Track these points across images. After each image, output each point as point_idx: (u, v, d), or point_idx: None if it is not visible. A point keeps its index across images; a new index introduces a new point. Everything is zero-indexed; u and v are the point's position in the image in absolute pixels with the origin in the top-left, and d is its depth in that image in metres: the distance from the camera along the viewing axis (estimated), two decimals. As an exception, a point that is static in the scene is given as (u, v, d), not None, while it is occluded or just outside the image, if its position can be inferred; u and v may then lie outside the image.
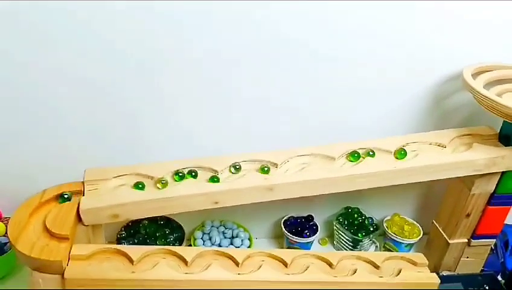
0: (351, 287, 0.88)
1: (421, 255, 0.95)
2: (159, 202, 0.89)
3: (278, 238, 1.32)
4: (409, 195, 1.32)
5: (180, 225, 1.21)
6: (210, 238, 1.20)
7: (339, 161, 1.00)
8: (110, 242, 1.17)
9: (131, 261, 0.83)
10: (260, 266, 0.86)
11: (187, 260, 0.84)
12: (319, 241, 1.32)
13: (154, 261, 0.84)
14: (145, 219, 1.21)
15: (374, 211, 1.30)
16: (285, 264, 0.88)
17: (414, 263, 0.92)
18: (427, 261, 0.93)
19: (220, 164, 0.97)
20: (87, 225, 0.88)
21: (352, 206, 1.30)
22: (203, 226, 1.25)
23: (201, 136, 1.11)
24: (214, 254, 0.87)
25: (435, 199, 1.23)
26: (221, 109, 1.09)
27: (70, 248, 0.82)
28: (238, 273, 0.84)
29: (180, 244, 1.16)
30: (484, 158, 0.99)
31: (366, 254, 0.92)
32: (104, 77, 0.99)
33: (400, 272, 0.89)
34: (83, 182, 0.92)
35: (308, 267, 0.88)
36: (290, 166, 0.99)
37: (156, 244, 1.14)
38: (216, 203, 0.93)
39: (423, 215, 1.30)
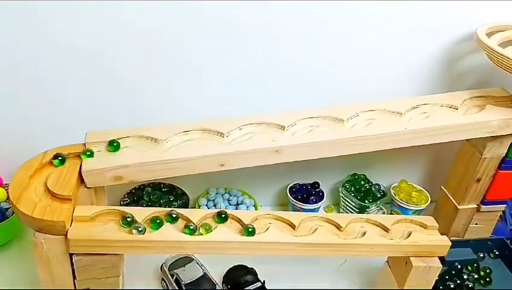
0: (360, 249, 0.86)
1: (431, 218, 0.93)
2: (164, 163, 0.87)
3: (284, 206, 1.30)
4: (416, 161, 1.29)
5: (185, 191, 1.19)
6: (215, 205, 1.18)
7: (348, 122, 0.97)
8: (113, 209, 1.15)
9: (136, 222, 0.80)
10: (267, 229, 0.84)
11: (193, 221, 0.82)
12: (324, 209, 1.31)
13: (157, 223, 0.81)
14: (148, 185, 1.19)
15: (381, 178, 1.28)
16: (293, 227, 0.86)
17: (424, 226, 0.90)
18: (437, 224, 0.91)
19: (226, 126, 0.94)
20: (90, 188, 0.86)
21: (358, 173, 1.28)
22: (207, 193, 1.23)
23: (205, 101, 1.09)
24: (214, 217, 0.85)
25: (444, 165, 1.20)
26: (225, 72, 1.06)
27: (73, 209, 0.80)
28: (242, 235, 0.82)
29: (185, 211, 1.14)
30: (497, 119, 0.96)
31: (375, 217, 0.90)
32: (106, 42, 0.97)
33: (410, 234, 0.87)
34: (84, 144, 0.90)
35: (316, 229, 0.86)
36: (298, 128, 0.96)
37: (161, 211, 1.12)
38: (222, 165, 0.90)
39: (431, 182, 1.28)
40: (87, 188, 0.86)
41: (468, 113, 1.00)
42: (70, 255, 0.78)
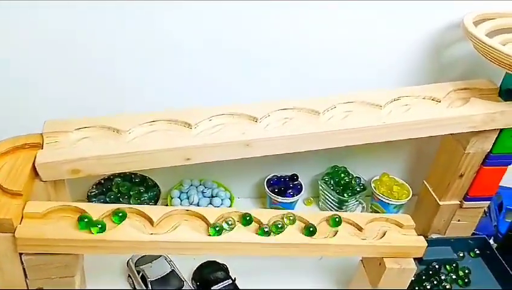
0: (331, 249, 0.82)
1: (407, 216, 0.88)
2: (124, 156, 0.82)
3: (261, 198, 1.26)
4: (399, 154, 1.25)
5: (156, 183, 1.14)
6: (188, 198, 1.14)
7: (325, 115, 0.92)
8: (79, 201, 1.10)
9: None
10: (234, 227, 0.79)
11: (153, 219, 0.77)
12: (303, 202, 1.26)
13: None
14: (118, 176, 1.14)
15: (362, 171, 1.24)
16: (261, 225, 0.81)
17: (400, 225, 0.86)
18: (413, 224, 0.86)
19: (194, 117, 0.88)
20: (46, 181, 0.81)
21: (339, 165, 1.23)
22: (181, 184, 1.18)
23: (175, 88, 1.03)
24: (184, 213, 0.80)
25: (427, 158, 1.15)
26: (195, 60, 1.00)
27: (24, 205, 0.74)
28: (209, 235, 0.77)
29: (155, 204, 1.10)
30: (482, 114, 0.91)
31: (348, 215, 0.85)
32: (70, 22, 0.90)
33: (385, 234, 0.83)
34: (41, 134, 0.84)
35: (286, 228, 0.81)
36: (271, 120, 0.91)
37: (129, 203, 1.07)
38: (188, 159, 0.85)
39: (414, 176, 1.23)
40: (43, 181, 0.81)
41: (452, 107, 0.95)
42: (20, 254, 0.73)
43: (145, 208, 0.78)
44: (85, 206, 0.77)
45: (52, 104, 0.99)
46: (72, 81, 0.99)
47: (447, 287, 0.92)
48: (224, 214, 0.81)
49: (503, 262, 0.94)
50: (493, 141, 0.98)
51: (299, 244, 0.80)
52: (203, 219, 0.80)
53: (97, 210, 0.76)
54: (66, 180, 0.87)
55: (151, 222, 0.77)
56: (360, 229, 0.84)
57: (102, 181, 1.13)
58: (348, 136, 0.90)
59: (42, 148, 0.81)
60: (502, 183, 1.28)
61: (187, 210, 0.80)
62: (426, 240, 0.93)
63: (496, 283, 0.95)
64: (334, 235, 0.82)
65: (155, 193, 1.12)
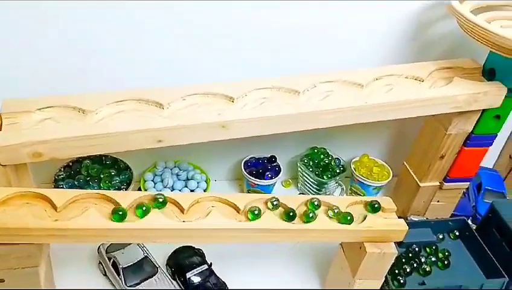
0: (311, 234, 0.79)
1: (388, 199, 0.86)
2: (90, 139, 0.76)
3: (239, 180, 1.22)
4: (380, 134, 1.22)
5: (128, 165, 1.09)
6: (162, 181, 1.09)
7: (304, 95, 0.88)
8: (46, 185, 1.04)
9: (54, 207, 0.70)
10: (209, 213, 0.75)
11: (122, 206, 0.72)
12: (282, 184, 1.23)
13: (83, 208, 0.72)
14: (87, 158, 1.08)
15: (342, 152, 1.21)
16: (238, 210, 0.77)
17: (381, 209, 0.84)
18: (395, 207, 0.84)
19: (166, 96, 0.83)
20: (6, 165, 0.75)
21: (318, 147, 1.20)
22: (154, 167, 1.13)
23: (145, 66, 0.96)
24: (153, 199, 0.76)
25: (408, 139, 1.13)
26: (169, 36, 0.94)
27: (-20, 192, 0.69)
28: (183, 221, 0.73)
29: (128, 188, 1.05)
30: (465, 94, 0.89)
31: (328, 199, 0.83)
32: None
33: (365, 218, 0.81)
34: (-1, 115, 0.78)
35: (263, 213, 0.78)
36: (248, 101, 0.86)
37: (100, 187, 1.02)
38: (159, 141, 0.80)
39: (394, 157, 1.21)
40: (3, 166, 0.75)
41: (435, 86, 0.92)
42: (-23, 244, 0.68)
43: (113, 193, 0.73)
44: (48, 192, 0.72)
45: (10, 84, 0.91)
46: (32, 59, 0.92)
47: (427, 269, 0.91)
48: (198, 199, 0.77)
49: (483, 244, 0.94)
50: (475, 122, 0.96)
51: (279, 230, 0.77)
52: (177, 204, 0.75)
53: (61, 196, 0.71)
54: (29, 164, 0.81)
55: (120, 208, 0.73)
56: (339, 213, 0.81)
57: (71, 164, 1.07)
58: (328, 117, 0.86)
59: (0, 130, 0.75)
60: (480, 164, 1.29)
61: (157, 195, 0.76)
62: (406, 223, 0.92)
63: (475, 265, 0.95)
64: (314, 220, 0.79)
65: (127, 176, 1.06)
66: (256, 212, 0.76)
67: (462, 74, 0.94)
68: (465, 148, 1.00)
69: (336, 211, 0.80)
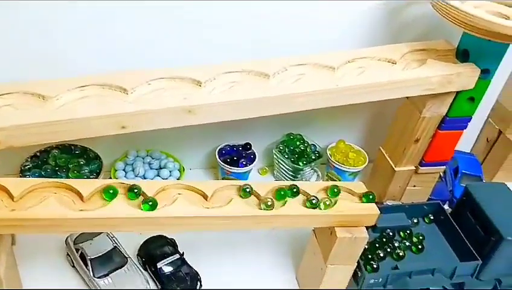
0: (281, 220, 0.77)
1: (361, 184, 0.85)
2: (49, 125, 0.73)
3: (214, 169, 1.20)
4: (357, 119, 1.21)
5: (98, 154, 1.06)
6: (133, 170, 1.06)
7: (275, 78, 0.86)
8: (12, 176, 1.01)
9: (11, 196, 0.67)
10: (175, 200, 0.73)
11: (83, 194, 0.70)
12: (258, 171, 1.22)
13: (42, 197, 0.69)
14: (55, 147, 1.05)
15: (318, 138, 1.19)
16: (205, 198, 0.75)
17: (353, 193, 0.82)
18: (366, 190, 0.83)
19: (130, 81, 0.80)
20: (-39, 154, 0.72)
21: (294, 133, 1.18)
22: (126, 156, 1.10)
23: (109, 51, 0.93)
24: (120, 187, 0.73)
25: (384, 124, 1.12)
26: (134, 17, 0.91)
27: None
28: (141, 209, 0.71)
29: (97, 177, 1.02)
30: (438, 75, 0.88)
31: (299, 184, 0.81)
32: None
33: (336, 202, 0.79)
34: (-47, 102, 0.74)
35: (231, 199, 0.76)
36: (217, 84, 0.83)
37: (68, 177, 0.99)
38: (123, 127, 0.77)
39: (371, 142, 1.20)
40: (-42, 154, 0.72)
41: (408, 68, 0.90)
42: None
43: (73, 182, 0.71)
44: (5, 181, 0.69)
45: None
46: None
47: (400, 254, 0.90)
48: (164, 187, 0.75)
49: (457, 227, 0.93)
50: (449, 105, 0.95)
51: (248, 217, 0.76)
52: (142, 192, 0.73)
53: (18, 185, 0.68)
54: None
55: (81, 197, 0.70)
56: (309, 197, 0.80)
57: (38, 154, 1.04)
58: (299, 100, 0.84)
59: (-46, 118, 0.72)
60: (457, 148, 1.28)
61: (121, 183, 0.73)
62: (380, 207, 0.91)
63: (449, 248, 0.94)
64: (283, 206, 0.78)
65: (97, 165, 1.03)
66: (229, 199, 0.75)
67: (436, 56, 0.93)
68: (439, 131, 0.99)
69: (308, 197, 0.78)
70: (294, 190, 0.79)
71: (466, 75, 0.89)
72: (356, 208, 0.80)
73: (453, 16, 0.83)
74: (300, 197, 0.80)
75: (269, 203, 0.75)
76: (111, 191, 0.70)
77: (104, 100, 0.78)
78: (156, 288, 0.91)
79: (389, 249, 0.91)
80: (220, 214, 0.74)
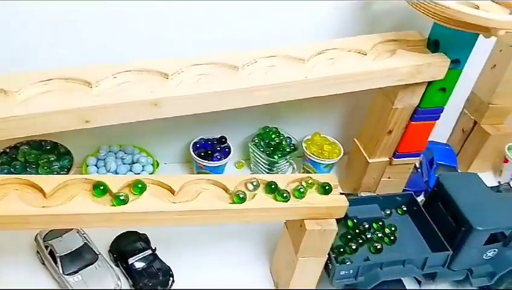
0: (250, 214, 0.77)
1: (333, 176, 0.84)
2: (9, 121, 0.70)
3: (189, 163, 1.18)
4: (332, 112, 1.20)
5: (69, 150, 1.04)
6: (105, 165, 1.05)
7: (244, 70, 0.84)
8: (-21, 172, 0.99)
9: (-32, 194, 0.66)
10: (140, 196, 0.72)
11: (45, 191, 0.68)
12: (235, 165, 1.21)
13: (2, 194, 0.68)
14: (25, 143, 1.03)
15: (295, 131, 1.19)
16: (172, 192, 0.74)
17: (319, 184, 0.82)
18: (337, 183, 0.82)
19: (95, 74, 0.78)
20: None
21: (270, 126, 1.17)
22: (98, 151, 1.08)
23: (74, 44, 0.91)
24: (83, 183, 0.72)
25: (361, 116, 1.11)
26: (99, 9, 0.89)
27: None
28: (112, 205, 0.70)
29: (68, 173, 1.00)
30: (408, 66, 0.87)
31: (268, 177, 0.80)
32: None
33: (306, 195, 0.79)
34: None
35: (199, 194, 0.75)
36: (184, 77, 0.82)
37: (38, 173, 0.97)
38: (87, 122, 0.75)
39: (346, 134, 1.20)
40: None
41: (378, 59, 0.90)
42: None
43: (36, 178, 0.69)
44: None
45: None
46: None
47: (373, 245, 0.90)
48: (129, 182, 0.74)
49: (428, 218, 0.93)
50: (421, 95, 0.95)
51: (216, 211, 0.75)
52: (107, 186, 0.72)
53: (-24, 182, 0.67)
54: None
55: (43, 193, 0.69)
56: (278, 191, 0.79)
57: (8, 150, 1.02)
58: (268, 93, 0.83)
59: None
60: (433, 139, 1.28)
61: (86, 179, 0.72)
62: (353, 199, 0.91)
63: (421, 239, 0.95)
64: (252, 199, 0.77)
65: (67, 161, 1.02)
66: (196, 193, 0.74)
67: (407, 46, 0.92)
68: (412, 122, 0.99)
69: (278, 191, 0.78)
70: (266, 183, 0.78)
71: (436, 65, 0.88)
72: (325, 200, 0.80)
73: (423, 6, 0.83)
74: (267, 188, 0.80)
75: (241, 196, 0.74)
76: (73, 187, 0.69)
77: (67, 94, 0.76)
78: (128, 284, 0.90)
79: (361, 241, 0.91)
80: (186, 208, 0.73)
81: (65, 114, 0.73)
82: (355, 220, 0.93)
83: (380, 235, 0.93)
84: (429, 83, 0.93)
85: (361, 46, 0.91)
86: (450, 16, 0.81)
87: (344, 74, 0.85)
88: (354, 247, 0.89)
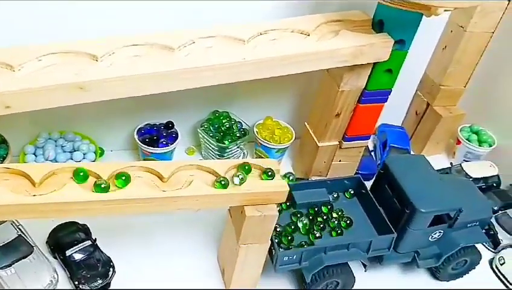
0: (184, 201, 0.74)
1: (274, 161, 0.82)
2: None
3: (135, 150, 1.14)
4: (284, 95, 1.18)
5: (5, 138, 0.99)
6: (43, 153, 1.00)
7: (181, 51, 0.81)
8: None
9: None
10: (64, 185, 0.68)
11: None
12: (185, 151, 1.17)
13: None
14: (-44, 132, 0.97)
15: (246, 115, 1.16)
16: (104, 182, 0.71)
17: (263, 170, 0.79)
18: (279, 168, 0.80)
19: (18, 57, 0.73)
20: None
21: (220, 111, 1.14)
22: (37, 139, 1.03)
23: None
24: (5, 172, 0.68)
25: (312, 99, 1.09)
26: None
27: None
28: (33, 195, 0.66)
29: (3, 162, 0.95)
30: (351, 46, 0.85)
31: (208, 163, 0.78)
32: None
33: (245, 181, 0.76)
34: None
35: (132, 181, 0.72)
36: (116, 59, 0.78)
37: (-32, 163, 0.92)
38: (8, 107, 0.70)
39: (298, 118, 1.17)
40: None
41: (321, 40, 0.87)
42: None
43: None
44: None
45: None
46: None
47: (319, 228, 0.89)
48: (54, 171, 0.70)
49: (375, 201, 0.92)
50: (367, 77, 0.93)
51: (147, 199, 0.72)
52: (27, 176, 0.68)
53: None
54: None
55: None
56: (218, 177, 0.76)
57: None
58: (207, 75, 0.80)
59: None
60: (388, 122, 1.28)
61: (7, 168, 0.68)
62: (300, 183, 0.90)
63: (368, 222, 0.94)
64: (188, 186, 0.74)
65: (3, 149, 0.97)
66: (123, 178, 0.71)
67: (352, 27, 0.90)
68: (360, 105, 0.97)
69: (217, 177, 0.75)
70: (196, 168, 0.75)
71: (379, 46, 0.87)
72: (266, 185, 0.77)
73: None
74: (209, 176, 0.77)
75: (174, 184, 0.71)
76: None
77: (-15, 79, 0.71)
78: (66, 277, 0.87)
79: (307, 226, 0.89)
80: (115, 197, 0.70)
81: (-18, 99, 0.69)
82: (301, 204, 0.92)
83: (325, 217, 0.92)
84: (375, 64, 0.91)
85: (304, 26, 0.88)
86: (393, -5, 0.79)
87: (285, 55, 0.82)
88: (302, 232, 0.88)
